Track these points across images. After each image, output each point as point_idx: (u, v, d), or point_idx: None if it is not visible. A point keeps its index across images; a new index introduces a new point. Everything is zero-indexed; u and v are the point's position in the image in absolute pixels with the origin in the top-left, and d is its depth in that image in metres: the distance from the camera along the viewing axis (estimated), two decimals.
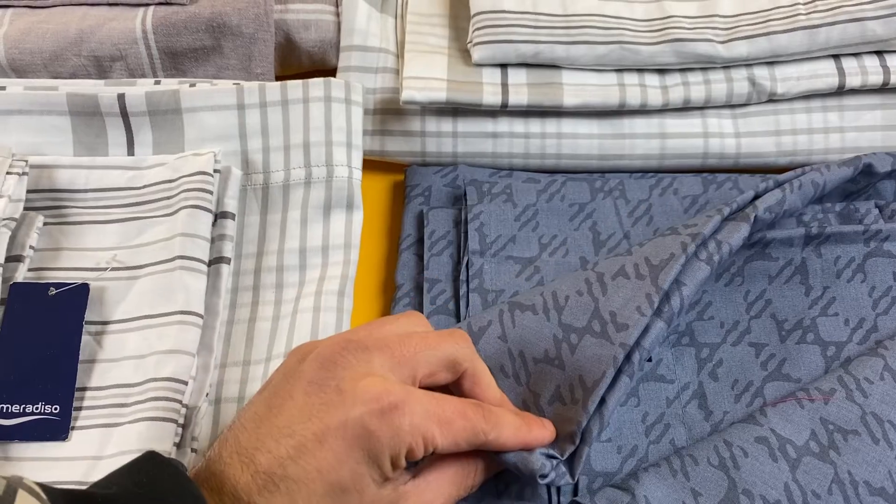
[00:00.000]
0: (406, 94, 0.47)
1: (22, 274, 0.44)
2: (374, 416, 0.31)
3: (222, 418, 0.42)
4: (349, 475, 0.31)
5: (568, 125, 0.50)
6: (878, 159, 0.44)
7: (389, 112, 0.50)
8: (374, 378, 0.32)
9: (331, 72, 0.52)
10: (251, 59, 0.51)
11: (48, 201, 0.46)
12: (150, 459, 0.31)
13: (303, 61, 0.54)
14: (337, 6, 0.53)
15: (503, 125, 0.49)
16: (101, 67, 0.51)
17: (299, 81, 0.47)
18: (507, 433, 0.34)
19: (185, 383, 0.40)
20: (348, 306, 0.45)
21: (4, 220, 0.43)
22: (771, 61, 0.49)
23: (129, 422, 0.39)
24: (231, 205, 0.46)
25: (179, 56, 0.51)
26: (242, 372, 0.43)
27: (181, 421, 0.40)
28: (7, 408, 0.41)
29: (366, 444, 0.31)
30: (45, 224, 0.45)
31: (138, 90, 0.47)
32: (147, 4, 0.51)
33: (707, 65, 0.49)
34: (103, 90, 0.47)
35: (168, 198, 0.45)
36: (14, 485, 0.27)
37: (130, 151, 0.48)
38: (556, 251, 0.44)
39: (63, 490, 0.29)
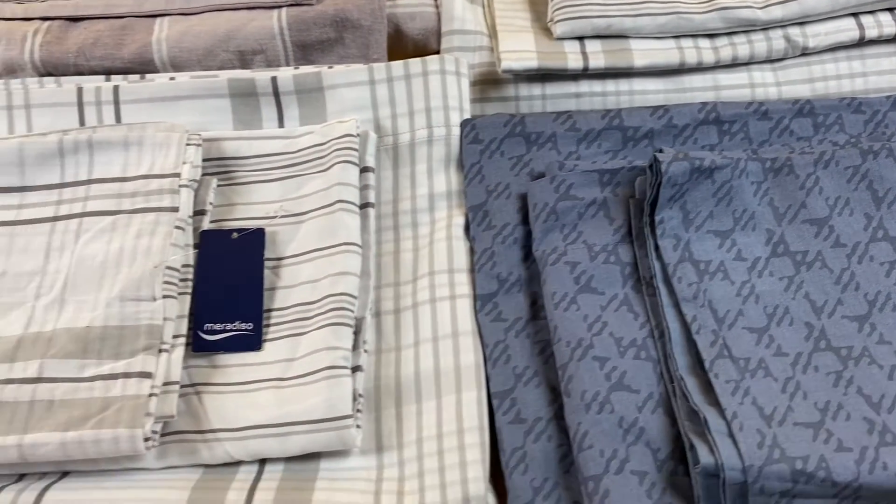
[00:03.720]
0: (504, 65, 0.57)
1: (206, 224, 0.54)
2: None
3: (382, 327, 0.52)
4: None
5: (638, 84, 0.60)
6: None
7: (487, 82, 0.61)
8: None
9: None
10: (368, 47, 0.61)
11: (218, 168, 0.56)
12: None
13: (408, 48, 0.64)
14: None
15: (584, 86, 0.60)
16: (244, 61, 0.61)
17: (418, 59, 0.57)
18: None
19: (356, 297, 0.50)
20: None
21: (190, 181, 0.53)
22: (802, 21, 0.60)
23: (315, 329, 0.49)
24: (371, 161, 0.56)
25: (308, 48, 0.61)
26: (394, 291, 0.53)
27: (354, 328, 0.49)
28: (211, 326, 0.50)
29: None
30: (218, 185, 0.55)
31: (287, 73, 0.57)
32: (280, 6, 0.61)
33: (749, 28, 0.60)
34: (258, 75, 0.58)
35: (320, 157, 0.55)
36: None
37: (281, 125, 0.58)
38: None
39: None
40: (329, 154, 0.54)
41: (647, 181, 0.51)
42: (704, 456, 0.41)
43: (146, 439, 0.44)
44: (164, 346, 0.48)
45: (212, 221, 0.54)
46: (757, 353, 0.46)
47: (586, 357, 0.46)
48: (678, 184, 0.49)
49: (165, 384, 0.47)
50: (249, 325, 0.51)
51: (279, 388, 0.48)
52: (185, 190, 0.53)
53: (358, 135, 0.55)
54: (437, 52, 0.62)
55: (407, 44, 0.64)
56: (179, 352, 0.48)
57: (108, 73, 0.60)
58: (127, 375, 0.46)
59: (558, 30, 0.59)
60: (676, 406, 0.44)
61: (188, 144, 0.55)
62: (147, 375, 0.46)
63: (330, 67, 0.58)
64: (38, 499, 0.44)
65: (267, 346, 0.50)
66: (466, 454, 0.45)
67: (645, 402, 0.45)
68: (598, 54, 0.59)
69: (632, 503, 0.41)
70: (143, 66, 0.60)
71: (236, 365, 0.50)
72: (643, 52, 0.59)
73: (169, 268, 0.50)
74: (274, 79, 0.57)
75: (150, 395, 0.46)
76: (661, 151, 0.50)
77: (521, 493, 0.44)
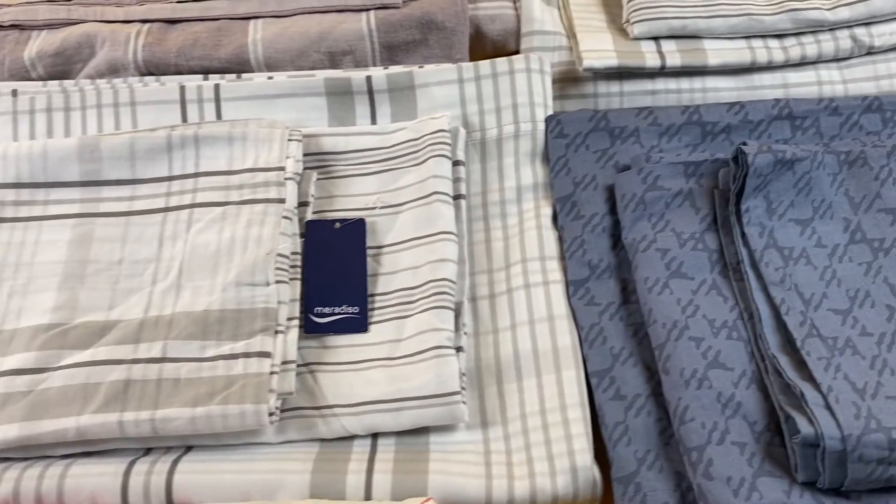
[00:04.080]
0: (586, 63, 0.60)
1: (309, 215, 0.57)
2: None
3: (479, 311, 0.55)
4: None
5: (710, 82, 0.63)
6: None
7: (567, 80, 0.64)
8: None
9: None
10: (451, 48, 0.64)
11: (317, 162, 0.59)
12: None
13: (487, 48, 0.67)
14: (515, 2, 0.67)
15: (660, 84, 0.63)
16: (333, 61, 0.64)
17: (505, 58, 0.61)
18: None
19: (455, 282, 0.53)
20: None
21: (294, 174, 0.57)
22: (868, 22, 0.63)
23: (419, 312, 0.52)
24: (461, 155, 0.59)
25: (394, 49, 0.64)
26: (488, 277, 0.56)
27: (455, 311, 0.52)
28: (320, 310, 0.53)
29: None
30: (318, 179, 0.59)
31: (380, 72, 0.60)
32: (368, 9, 0.64)
33: (817, 28, 0.63)
34: (353, 74, 0.61)
35: (415, 152, 0.58)
36: None
37: (373, 121, 0.61)
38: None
39: None
40: (423, 149, 0.57)
41: (731, 172, 0.53)
42: (804, 427, 0.43)
43: (270, 414, 0.47)
44: (280, 328, 0.51)
45: (314, 212, 0.57)
46: (843, 333, 0.49)
47: (682, 337, 0.48)
48: (763, 175, 0.52)
49: (283, 363, 0.50)
50: (356, 309, 0.54)
51: (388, 367, 0.51)
52: (290, 182, 0.56)
53: (449, 130, 0.58)
54: (516, 53, 0.65)
55: (487, 44, 0.67)
56: (294, 333, 0.51)
57: (205, 72, 0.64)
58: (247, 355, 0.49)
59: (636, 30, 0.62)
60: (769, 382, 0.47)
61: (290, 140, 0.58)
62: (266, 355, 0.49)
63: (420, 67, 0.61)
64: (171, 469, 0.47)
65: (373, 328, 0.53)
66: (571, 428, 0.48)
67: (739, 378, 0.47)
68: (674, 53, 0.62)
69: (734, 471, 0.44)
70: (239, 66, 0.63)
71: (345, 346, 0.53)
72: (716, 52, 0.62)
73: (280, 255, 0.53)
74: (369, 78, 0.60)
75: (272, 372, 0.49)
76: (744, 145, 0.53)
77: (625, 464, 0.46)
